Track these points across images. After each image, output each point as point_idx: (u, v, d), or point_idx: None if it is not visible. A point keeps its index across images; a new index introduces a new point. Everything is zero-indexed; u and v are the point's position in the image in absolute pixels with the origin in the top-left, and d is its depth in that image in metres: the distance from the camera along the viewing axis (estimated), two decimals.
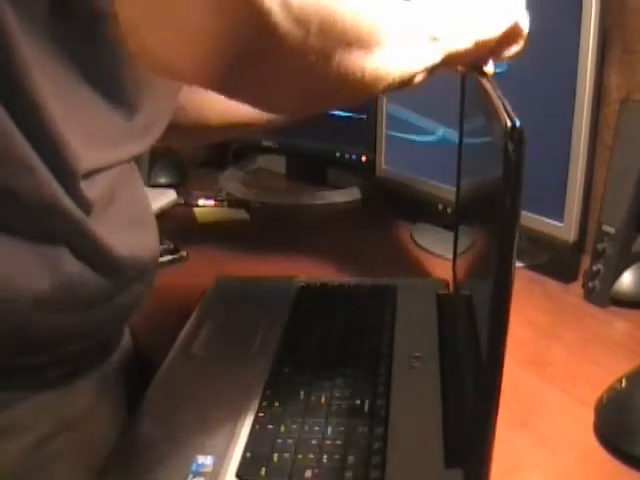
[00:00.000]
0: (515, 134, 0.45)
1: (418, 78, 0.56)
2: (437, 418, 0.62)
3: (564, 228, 0.90)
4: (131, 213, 0.67)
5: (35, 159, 0.52)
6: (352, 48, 0.47)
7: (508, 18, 0.62)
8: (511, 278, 0.47)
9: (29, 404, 0.58)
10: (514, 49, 0.65)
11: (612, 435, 0.62)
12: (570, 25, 0.84)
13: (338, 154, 1.31)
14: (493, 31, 0.61)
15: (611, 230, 0.86)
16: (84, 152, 0.55)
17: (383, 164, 1.20)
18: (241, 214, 1.24)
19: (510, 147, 0.45)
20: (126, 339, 0.75)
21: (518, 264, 1.00)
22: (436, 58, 0.56)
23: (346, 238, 1.14)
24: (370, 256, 1.06)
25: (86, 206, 0.57)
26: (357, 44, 0.47)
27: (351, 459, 0.56)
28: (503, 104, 0.51)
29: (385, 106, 1.16)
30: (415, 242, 1.10)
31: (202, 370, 0.70)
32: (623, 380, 0.65)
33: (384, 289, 0.86)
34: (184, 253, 1.04)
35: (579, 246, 0.91)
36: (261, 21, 0.40)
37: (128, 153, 0.63)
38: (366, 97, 0.54)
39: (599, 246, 0.87)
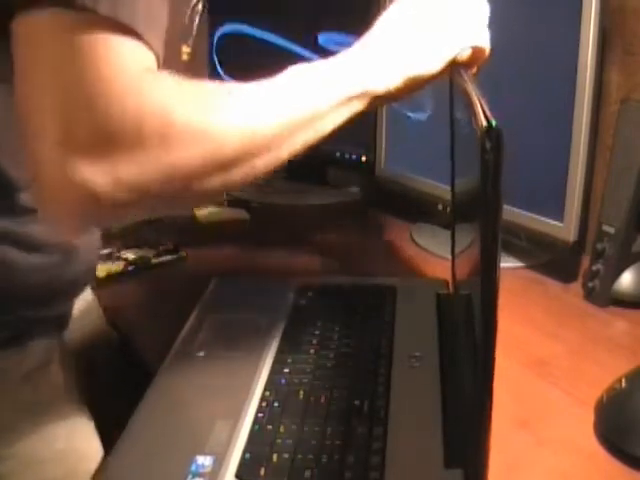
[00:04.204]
0: (492, 134, 0.45)
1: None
2: (437, 418, 0.62)
3: (564, 228, 0.89)
4: None
5: None
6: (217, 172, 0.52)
7: (446, 53, 0.64)
8: (496, 278, 0.47)
9: None
10: (478, 66, 0.68)
11: (612, 435, 0.62)
12: (570, 25, 0.84)
13: (338, 154, 1.31)
14: (428, 68, 0.63)
15: (611, 230, 0.86)
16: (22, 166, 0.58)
17: (383, 164, 1.20)
18: (241, 214, 1.24)
19: (488, 147, 0.45)
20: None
21: (518, 264, 1.00)
22: (359, 106, 0.61)
23: (346, 238, 1.14)
24: (370, 256, 1.06)
25: (23, 212, 0.63)
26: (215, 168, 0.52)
27: (350, 459, 0.56)
28: (481, 104, 0.51)
29: (385, 106, 1.16)
30: (415, 242, 1.10)
31: (202, 370, 0.70)
32: (623, 380, 0.65)
33: (384, 289, 0.86)
34: (184, 253, 1.04)
35: (579, 246, 0.91)
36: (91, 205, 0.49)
37: None
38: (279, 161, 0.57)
39: (599, 246, 0.87)
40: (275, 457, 0.57)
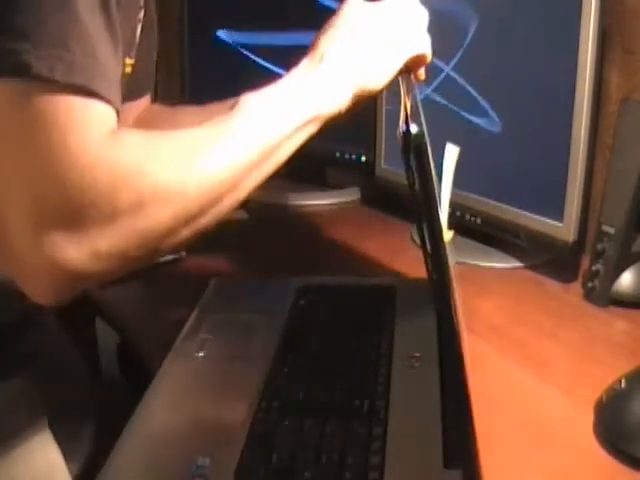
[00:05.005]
0: (412, 139, 0.46)
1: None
2: (436, 418, 0.61)
3: (564, 228, 0.89)
4: None
5: None
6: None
7: (392, 66, 0.65)
8: (447, 281, 0.47)
9: None
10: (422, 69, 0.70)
11: (611, 435, 0.62)
12: (570, 25, 0.84)
13: (338, 154, 1.30)
14: (376, 83, 0.64)
15: (611, 230, 0.86)
16: None
17: (383, 164, 1.20)
18: (240, 214, 1.24)
19: (407, 151, 0.46)
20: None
21: (517, 264, 1.00)
22: (312, 129, 0.62)
23: (346, 238, 1.14)
24: (370, 256, 1.06)
25: None
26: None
27: (350, 460, 0.56)
28: (406, 110, 0.52)
29: (384, 106, 1.16)
30: (415, 242, 1.10)
31: (202, 370, 0.70)
32: (622, 380, 0.65)
33: (384, 289, 0.86)
34: (183, 253, 1.04)
35: (579, 246, 0.91)
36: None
37: None
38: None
39: (599, 246, 0.87)
40: (275, 457, 0.57)
